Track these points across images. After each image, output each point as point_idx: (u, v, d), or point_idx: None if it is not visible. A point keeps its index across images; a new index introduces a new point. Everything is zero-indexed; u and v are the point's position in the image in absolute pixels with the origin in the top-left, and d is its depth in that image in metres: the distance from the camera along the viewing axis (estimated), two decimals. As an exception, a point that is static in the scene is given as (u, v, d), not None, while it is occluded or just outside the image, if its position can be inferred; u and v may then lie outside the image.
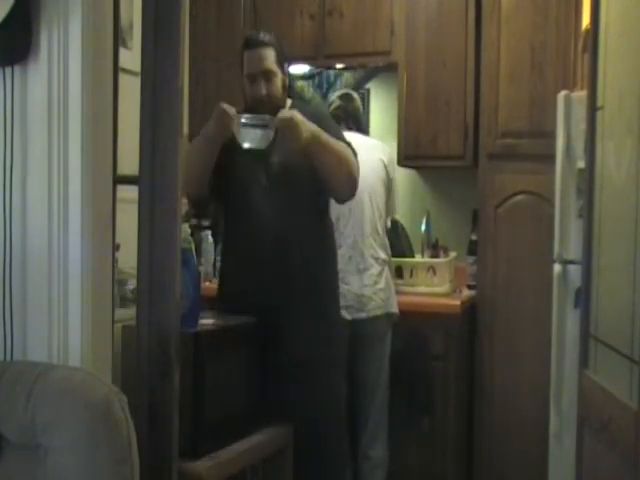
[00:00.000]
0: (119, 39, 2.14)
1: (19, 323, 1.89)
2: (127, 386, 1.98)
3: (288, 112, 2.54)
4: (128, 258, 2.29)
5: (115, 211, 2.02)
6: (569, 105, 3.20)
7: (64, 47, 1.85)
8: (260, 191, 2.66)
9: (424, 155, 3.82)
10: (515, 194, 3.58)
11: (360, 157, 3.10)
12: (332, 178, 2.65)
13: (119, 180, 2.05)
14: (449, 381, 3.48)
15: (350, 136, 3.29)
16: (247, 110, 2.67)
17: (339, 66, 4.10)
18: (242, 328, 2.49)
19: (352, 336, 3.16)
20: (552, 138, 3.29)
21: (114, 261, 2.05)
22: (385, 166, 3.37)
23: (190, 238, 2.33)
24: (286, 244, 2.63)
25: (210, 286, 3.59)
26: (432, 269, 3.65)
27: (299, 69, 4.11)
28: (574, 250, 3.13)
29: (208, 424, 2.25)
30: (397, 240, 3.65)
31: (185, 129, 2.10)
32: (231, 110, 2.53)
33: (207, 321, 2.41)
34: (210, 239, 3.93)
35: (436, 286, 3.63)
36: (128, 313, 2.27)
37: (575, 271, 3.10)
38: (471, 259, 3.75)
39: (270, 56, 2.65)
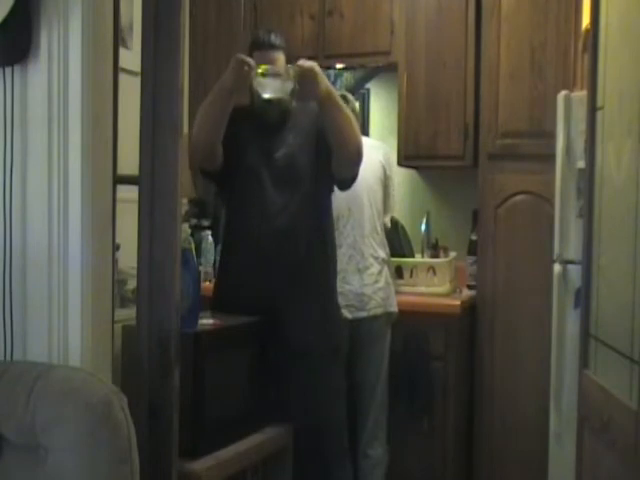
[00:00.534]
0: (119, 39, 2.14)
1: (19, 323, 1.90)
2: (127, 386, 1.98)
3: (308, 62, 2.53)
4: (128, 258, 2.29)
5: (115, 211, 2.02)
6: (569, 105, 3.20)
7: (64, 47, 1.85)
8: (262, 186, 2.66)
9: (424, 155, 3.82)
10: (515, 194, 3.58)
11: None
12: (343, 141, 2.62)
13: (119, 180, 2.05)
14: (449, 381, 3.48)
15: None
16: (254, 111, 2.68)
17: (339, 66, 4.10)
18: (242, 328, 2.49)
19: (352, 335, 3.16)
20: (552, 138, 3.29)
21: (114, 261, 2.05)
22: (382, 165, 3.38)
23: (190, 238, 2.33)
24: (287, 239, 2.62)
25: (210, 286, 3.59)
26: (432, 269, 3.65)
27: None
28: (574, 250, 3.13)
29: (208, 424, 2.25)
30: (397, 240, 3.65)
31: (185, 129, 2.10)
32: (249, 60, 2.52)
33: (207, 321, 2.41)
34: (210, 239, 3.92)
35: (436, 286, 3.63)
36: (128, 313, 2.27)
37: (575, 271, 3.10)
38: (471, 259, 3.75)
39: (281, 60, 2.65)
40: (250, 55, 2.65)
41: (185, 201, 3.91)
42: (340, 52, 3.95)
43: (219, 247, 3.87)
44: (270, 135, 2.71)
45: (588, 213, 2.27)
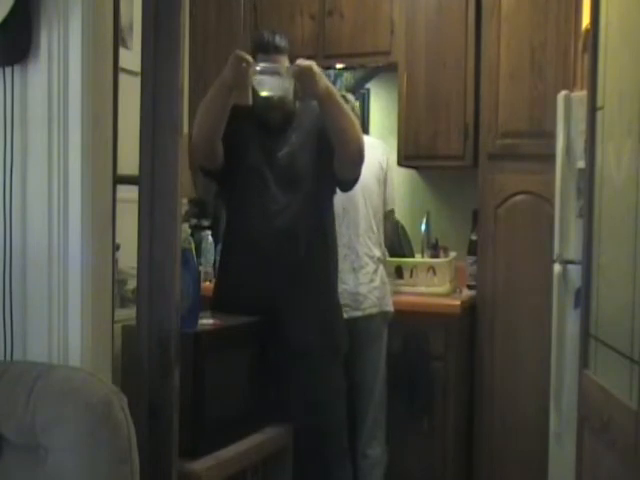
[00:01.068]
0: (119, 39, 2.14)
1: (19, 323, 1.90)
2: (127, 386, 1.98)
3: (307, 61, 2.53)
4: (128, 258, 2.29)
5: (115, 211, 2.02)
6: (569, 105, 3.20)
7: (64, 47, 1.85)
8: (263, 185, 2.66)
9: (424, 155, 3.82)
10: (515, 194, 3.58)
11: None
12: (344, 140, 2.62)
13: (119, 180, 2.05)
14: (449, 381, 3.48)
15: None
16: (256, 113, 2.69)
17: (339, 66, 4.10)
18: (242, 328, 2.49)
19: (348, 335, 3.16)
20: (552, 138, 3.29)
21: (114, 261, 2.05)
22: (380, 164, 3.38)
23: (190, 238, 2.33)
24: (287, 239, 2.62)
25: (210, 286, 3.59)
26: (432, 269, 3.65)
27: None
28: (574, 250, 3.13)
29: (208, 424, 2.25)
30: (397, 240, 3.65)
31: (185, 129, 2.10)
32: (248, 56, 2.52)
33: (207, 321, 2.41)
34: (210, 239, 3.92)
35: (436, 286, 3.63)
36: (128, 313, 2.27)
37: (575, 271, 3.10)
38: (471, 259, 3.75)
39: (284, 64, 2.63)
40: (254, 57, 2.64)
41: (185, 201, 3.91)
42: (340, 52, 3.94)
43: (219, 247, 3.88)
44: (273, 134, 2.71)
45: (588, 213, 2.27)
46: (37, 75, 1.88)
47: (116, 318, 2.07)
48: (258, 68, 2.51)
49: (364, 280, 3.21)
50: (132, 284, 2.56)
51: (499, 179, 3.61)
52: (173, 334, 1.94)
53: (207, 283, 3.67)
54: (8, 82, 1.89)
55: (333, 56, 3.97)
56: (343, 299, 3.10)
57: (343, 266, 3.15)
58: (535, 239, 3.51)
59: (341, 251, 3.14)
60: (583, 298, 2.29)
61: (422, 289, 3.63)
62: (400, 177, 3.94)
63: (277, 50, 2.65)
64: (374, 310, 3.23)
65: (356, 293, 3.18)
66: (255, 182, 2.68)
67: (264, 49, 2.66)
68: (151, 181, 1.95)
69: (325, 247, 2.76)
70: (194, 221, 4.04)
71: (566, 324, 3.16)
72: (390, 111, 4.01)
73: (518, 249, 3.56)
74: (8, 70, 1.89)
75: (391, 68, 3.89)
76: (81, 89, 1.85)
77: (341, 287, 3.10)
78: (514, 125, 3.58)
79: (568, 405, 3.04)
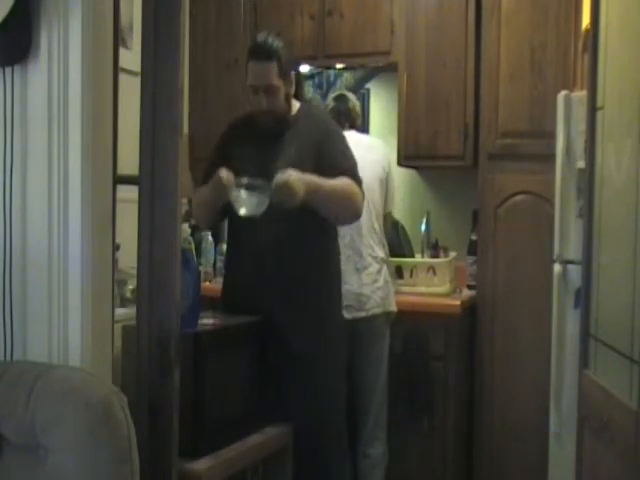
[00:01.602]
0: (119, 39, 2.14)
1: (19, 323, 1.90)
2: (127, 386, 1.98)
3: (282, 177, 2.49)
4: (128, 258, 2.29)
5: (115, 211, 2.02)
6: (569, 105, 3.20)
7: (64, 47, 1.85)
8: None
9: (424, 155, 3.81)
10: (515, 194, 3.58)
11: (356, 155, 3.09)
12: (334, 219, 2.74)
13: (119, 180, 2.05)
14: (449, 381, 3.48)
15: (345, 134, 3.30)
16: (251, 120, 2.71)
17: (339, 66, 4.10)
18: (242, 328, 2.49)
19: (351, 335, 3.16)
20: (552, 138, 3.28)
21: (114, 261, 2.05)
22: (381, 164, 3.38)
23: (190, 238, 2.33)
24: (287, 245, 2.62)
25: (210, 286, 3.59)
26: (432, 269, 3.65)
27: (298, 68, 4.11)
28: (574, 250, 3.13)
29: (208, 424, 2.26)
30: (397, 240, 3.65)
31: (185, 129, 2.11)
32: (229, 179, 2.53)
33: (207, 321, 2.41)
34: (210, 239, 3.93)
35: (436, 286, 3.62)
36: (128, 313, 2.27)
37: (575, 271, 3.10)
38: (471, 259, 3.75)
39: (273, 70, 2.62)
40: (247, 64, 2.66)
41: (185, 201, 3.91)
42: (340, 52, 3.94)
43: (219, 247, 3.89)
44: (269, 147, 2.70)
45: (588, 213, 2.27)
46: (37, 75, 1.88)
47: (116, 318, 2.07)
48: (244, 181, 2.52)
49: (367, 280, 3.21)
50: (132, 284, 2.56)
51: (499, 179, 3.61)
52: (173, 334, 1.94)
53: (207, 283, 3.68)
54: (8, 82, 1.89)
55: (333, 56, 3.97)
56: (347, 300, 3.10)
57: (346, 267, 3.15)
58: (535, 239, 3.51)
59: (344, 252, 3.14)
60: (583, 298, 2.29)
61: (422, 289, 3.63)
62: (400, 177, 3.94)
63: (265, 56, 2.63)
64: (378, 310, 3.22)
65: (360, 294, 3.18)
66: None
67: (253, 55, 2.66)
68: (151, 181, 1.95)
69: (326, 251, 2.75)
70: (194, 221, 4.03)
71: (566, 324, 3.16)
72: (390, 111, 4.01)
73: (518, 249, 3.56)
74: (8, 70, 1.89)
75: (391, 68, 3.89)
76: (81, 89, 1.85)
77: (344, 288, 3.09)
78: (514, 125, 3.58)
79: (568, 405, 3.04)
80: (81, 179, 1.86)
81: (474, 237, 3.75)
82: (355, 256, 3.20)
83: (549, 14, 3.50)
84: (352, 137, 3.40)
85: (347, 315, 3.12)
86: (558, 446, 3.17)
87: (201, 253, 3.84)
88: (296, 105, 2.77)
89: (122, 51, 2.24)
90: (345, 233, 3.14)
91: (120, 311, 2.38)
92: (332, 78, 4.17)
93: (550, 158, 3.27)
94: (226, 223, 3.00)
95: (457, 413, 3.52)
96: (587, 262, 2.26)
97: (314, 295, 2.69)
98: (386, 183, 3.41)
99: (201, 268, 3.58)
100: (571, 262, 3.16)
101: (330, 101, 3.56)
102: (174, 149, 1.94)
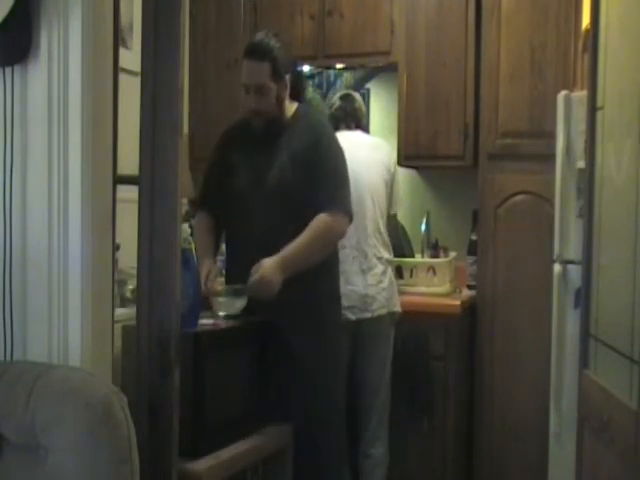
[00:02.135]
0: (119, 39, 2.14)
1: (19, 323, 1.90)
2: (127, 386, 1.98)
3: (255, 277, 2.50)
4: (128, 258, 2.29)
5: (115, 211, 2.02)
6: (569, 105, 3.20)
7: (64, 47, 1.85)
8: (256, 205, 2.67)
9: (424, 155, 3.81)
10: (515, 194, 3.58)
11: (360, 159, 3.10)
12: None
13: (119, 180, 2.05)
14: (449, 381, 3.48)
15: (350, 138, 3.30)
16: (247, 124, 2.72)
17: (339, 66, 4.10)
18: (242, 328, 2.49)
19: (356, 336, 3.16)
20: (552, 138, 3.28)
21: (114, 261, 2.05)
22: (387, 167, 3.37)
23: (190, 238, 2.34)
24: (284, 246, 2.61)
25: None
26: (432, 269, 3.65)
27: (301, 69, 4.11)
28: (574, 250, 3.13)
29: (208, 424, 2.25)
30: (397, 240, 3.64)
31: (185, 129, 2.11)
32: (210, 281, 2.57)
33: (207, 321, 2.41)
34: (210, 239, 3.92)
35: (436, 286, 3.62)
36: (128, 313, 2.27)
37: (575, 271, 3.10)
38: (471, 259, 3.75)
39: (265, 71, 2.62)
40: (242, 60, 2.68)
41: (185, 201, 3.91)
42: (340, 52, 3.94)
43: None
44: (264, 151, 2.70)
45: (588, 213, 2.27)
46: (37, 75, 1.88)
47: (116, 318, 2.07)
48: (220, 291, 2.57)
49: (372, 282, 3.20)
50: (132, 284, 2.56)
51: (499, 179, 3.61)
52: (173, 334, 1.94)
53: (207, 283, 3.67)
54: (8, 82, 1.89)
55: (333, 56, 3.97)
56: (351, 300, 3.10)
57: (351, 267, 3.15)
58: (535, 239, 3.51)
59: (350, 253, 3.14)
60: (583, 298, 2.29)
61: (422, 289, 3.63)
62: (400, 177, 3.93)
63: (258, 56, 2.63)
64: (383, 311, 3.22)
65: (365, 295, 3.17)
66: (243, 207, 2.69)
67: (248, 54, 2.66)
68: (151, 181, 1.95)
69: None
70: (194, 221, 4.03)
71: (566, 324, 3.16)
72: (390, 111, 4.01)
73: (518, 249, 3.56)
74: (8, 70, 1.89)
75: (391, 68, 3.89)
76: (81, 89, 1.85)
77: (349, 288, 3.10)
78: (514, 125, 3.58)
79: (568, 405, 3.04)
80: (81, 179, 1.86)
81: (474, 237, 3.75)
82: (360, 257, 3.19)
83: (549, 14, 3.50)
84: (358, 137, 3.40)
85: (352, 316, 3.11)
86: (558, 446, 3.17)
87: (201, 253, 3.83)
88: (292, 107, 2.76)
89: (122, 51, 2.24)
90: (351, 234, 3.12)
91: (120, 311, 2.38)
92: (332, 78, 4.17)
93: (550, 158, 3.27)
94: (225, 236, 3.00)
95: (457, 413, 3.52)
96: (587, 262, 2.26)
97: (313, 295, 2.69)
98: (391, 184, 3.40)
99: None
100: (571, 262, 3.16)
101: (336, 100, 3.54)
102: (174, 149, 1.94)
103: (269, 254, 2.55)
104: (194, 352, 2.22)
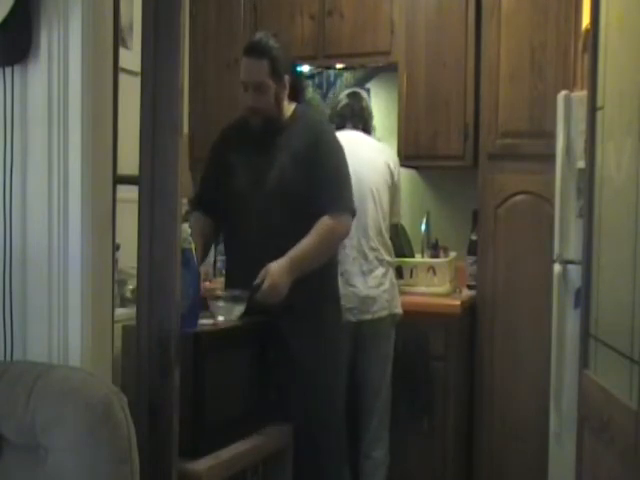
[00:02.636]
0: (119, 39, 2.14)
1: (19, 323, 1.90)
2: (127, 386, 1.98)
3: (265, 284, 2.50)
4: (128, 258, 2.29)
5: (115, 211, 2.02)
6: (569, 105, 3.20)
7: (64, 47, 1.85)
8: (256, 205, 2.67)
9: (424, 155, 3.81)
10: (515, 194, 3.58)
11: (364, 158, 3.09)
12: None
13: (119, 180, 2.05)
14: (449, 381, 3.48)
15: (355, 136, 3.29)
16: (245, 124, 2.71)
17: (339, 66, 4.10)
18: (242, 328, 2.49)
19: (357, 337, 3.15)
20: (552, 138, 3.28)
21: (114, 261, 2.05)
22: (391, 170, 3.35)
23: (190, 238, 2.33)
24: (283, 246, 2.60)
25: (210, 286, 3.59)
26: (432, 269, 3.65)
27: (301, 70, 4.11)
28: (574, 250, 3.13)
29: (208, 424, 2.25)
30: (397, 240, 3.64)
31: (185, 129, 2.11)
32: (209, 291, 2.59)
33: (207, 321, 2.41)
34: (210, 239, 3.92)
35: (436, 286, 3.62)
36: (128, 313, 2.27)
37: (575, 271, 3.10)
38: (471, 259, 3.75)
39: (263, 69, 2.62)
40: (242, 58, 2.68)
41: (185, 201, 3.91)
42: (340, 52, 3.94)
43: (219, 247, 3.88)
44: (263, 152, 2.69)
45: (588, 213, 2.27)
46: (37, 75, 1.88)
47: (116, 318, 2.07)
48: (223, 294, 2.57)
49: (373, 283, 3.19)
50: (132, 284, 2.56)
51: (499, 179, 3.61)
52: (173, 334, 1.94)
53: (207, 283, 3.67)
54: (8, 82, 1.89)
55: (333, 56, 3.97)
56: (352, 302, 3.10)
57: (352, 269, 3.14)
58: (535, 239, 3.51)
59: (350, 253, 3.13)
60: (583, 298, 2.28)
61: (422, 289, 3.63)
62: (400, 178, 3.94)
63: (257, 53, 2.63)
64: (384, 313, 3.21)
65: (366, 296, 3.16)
66: (243, 205, 2.69)
67: (246, 51, 2.67)
68: (151, 181, 1.95)
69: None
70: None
71: (566, 324, 3.16)
72: (390, 111, 4.01)
73: (518, 249, 3.56)
74: (8, 70, 1.89)
75: (391, 68, 3.89)
76: (81, 89, 1.85)
77: (350, 290, 3.10)
78: (514, 125, 3.58)
79: (568, 405, 3.04)
80: (81, 179, 1.86)
81: (474, 237, 3.75)
82: (361, 258, 3.18)
83: (549, 14, 3.50)
84: (361, 138, 3.39)
85: (352, 317, 3.11)
86: (558, 446, 3.17)
87: (201, 253, 3.83)
88: (291, 108, 2.76)
89: (122, 51, 2.24)
90: (352, 235, 3.12)
91: (120, 311, 2.38)
92: (332, 78, 4.17)
93: (550, 158, 3.27)
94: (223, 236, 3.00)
95: (457, 413, 3.52)
96: (587, 262, 2.26)
97: (312, 296, 2.68)
98: (393, 190, 3.38)
99: (201, 268, 3.57)
100: (571, 262, 3.16)
101: (343, 97, 3.51)
102: (174, 149, 1.94)
103: (269, 254, 2.55)
104: (194, 352, 2.22)
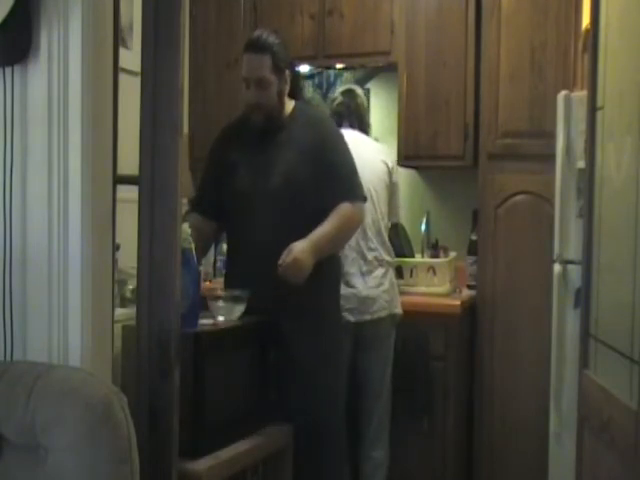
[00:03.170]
0: (119, 39, 2.14)
1: (19, 323, 1.89)
2: (127, 386, 1.98)
3: (290, 256, 2.49)
4: (128, 258, 2.29)
5: (115, 211, 2.02)
6: (569, 105, 3.20)
7: (64, 47, 1.85)
8: (259, 203, 2.67)
9: (424, 155, 3.82)
10: (515, 194, 3.58)
11: (363, 158, 3.08)
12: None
13: (119, 180, 2.05)
14: (449, 381, 3.48)
15: (354, 136, 3.29)
16: (245, 122, 2.72)
17: (339, 66, 4.10)
18: (242, 328, 2.49)
19: (356, 338, 3.15)
20: (552, 138, 3.29)
21: (114, 261, 2.05)
22: (388, 170, 3.36)
23: (190, 238, 2.33)
24: (280, 248, 2.59)
25: (210, 286, 3.59)
26: (432, 269, 3.65)
27: (299, 69, 4.11)
28: (574, 250, 3.13)
29: (208, 424, 2.25)
30: (397, 240, 3.64)
31: (185, 129, 2.11)
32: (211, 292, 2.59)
33: (207, 321, 2.41)
34: (210, 239, 3.92)
35: (436, 286, 3.62)
36: (128, 313, 2.27)
37: (575, 271, 3.10)
38: (471, 259, 3.75)
39: (265, 64, 2.62)
40: (242, 55, 2.69)
41: (185, 201, 3.91)
42: (340, 52, 3.94)
43: (219, 247, 3.89)
44: (265, 150, 2.69)
45: (588, 213, 2.27)
46: (37, 75, 1.87)
47: (116, 318, 2.06)
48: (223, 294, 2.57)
49: (373, 284, 3.19)
50: (132, 284, 2.56)
51: (499, 179, 3.61)
52: (173, 334, 1.94)
53: (207, 283, 3.67)
54: (8, 82, 1.89)
55: (333, 56, 3.97)
56: (352, 303, 3.10)
57: (352, 270, 3.14)
58: (535, 239, 3.51)
59: (349, 254, 3.13)
60: (583, 298, 2.28)
61: (422, 289, 3.63)
62: (400, 177, 3.93)
63: (258, 49, 2.64)
64: (383, 313, 3.21)
65: (365, 297, 3.16)
66: (246, 204, 2.69)
67: (247, 48, 2.67)
68: (151, 181, 1.95)
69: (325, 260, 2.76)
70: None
71: (566, 324, 3.16)
72: (390, 111, 4.01)
73: (518, 249, 3.56)
74: (8, 70, 1.89)
75: (391, 68, 3.89)
76: (81, 89, 1.85)
77: (349, 291, 3.09)
78: (514, 125, 3.58)
79: (568, 405, 3.04)
80: (81, 179, 1.86)
81: (474, 237, 3.75)
82: (360, 259, 3.18)
83: (549, 14, 3.50)
84: (360, 137, 3.39)
85: (351, 318, 3.11)
86: (558, 446, 3.17)
87: (201, 253, 3.83)
88: (290, 105, 2.75)
89: (122, 51, 2.24)
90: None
91: (120, 311, 2.38)
92: (332, 78, 4.17)
93: (550, 158, 3.27)
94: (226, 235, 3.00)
95: (457, 413, 3.52)
96: (587, 262, 2.26)
97: (313, 296, 2.67)
98: (392, 190, 3.38)
99: (201, 268, 3.57)
100: (571, 262, 3.17)
101: (338, 95, 3.52)
102: (174, 149, 1.94)
103: (271, 254, 2.55)
104: (194, 352, 2.22)
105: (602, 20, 2.19)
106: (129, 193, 2.08)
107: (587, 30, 2.94)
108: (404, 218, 3.87)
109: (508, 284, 3.58)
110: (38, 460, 1.63)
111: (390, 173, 3.36)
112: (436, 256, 3.77)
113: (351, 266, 3.14)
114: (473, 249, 3.73)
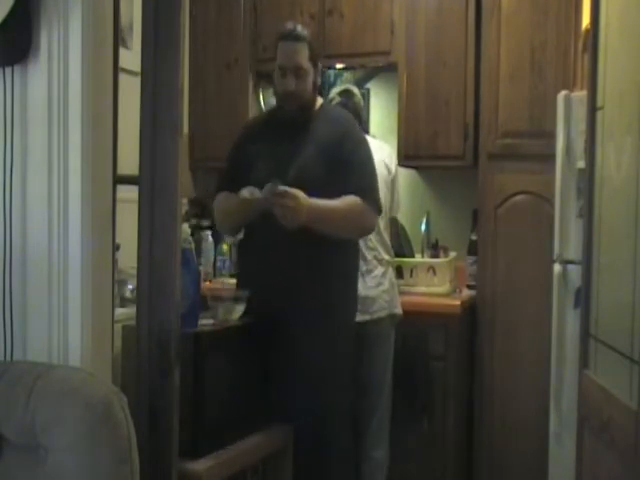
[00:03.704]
0: (119, 39, 2.14)
1: (19, 323, 1.90)
2: (127, 386, 1.98)
3: (291, 193, 2.47)
4: (128, 258, 2.29)
5: (115, 211, 2.02)
6: (569, 105, 3.20)
7: (64, 47, 1.85)
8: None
9: (424, 155, 3.81)
10: (515, 194, 3.58)
11: None
12: (347, 236, 2.73)
13: (119, 180, 2.05)
14: (449, 381, 3.48)
15: None
16: (267, 119, 2.75)
17: (339, 66, 4.10)
18: (242, 328, 2.49)
19: (356, 337, 3.14)
20: (552, 138, 3.29)
21: (114, 261, 2.05)
22: (388, 168, 3.36)
23: (190, 238, 2.33)
24: (296, 249, 2.59)
25: (210, 286, 3.59)
26: (432, 269, 3.65)
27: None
28: (574, 250, 3.13)
29: (208, 424, 2.26)
30: (397, 240, 3.64)
31: (185, 129, 2.11)
32: (253, 194, 2.54)
33: (207, 321, 2.41)
34: (210, 239, 3.92)
35: (436, 286, 3.62)
36: (128, 313, 2.27)
37: (575, 271, 3.10)
38: (471, 259, 3.75)
39: (303, 52, 2.64)
40: (275, 46, 2.69)
41: (185, 201, 3.91)
42: (340, 52, 3.94)
43: (219, 247, 3.89)
44: (287, 143, 2.69)
45: (588, 213, 2.27)
46: (37, 75, 1.88)
47: (116, 318, 2.07)
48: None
49: (372, 284, 3.19)
50: (132, 284, 2.56)
51: (499, 179, 3.61)
52: (173, 334, 1.94)
53: (207, 283, 3.67)
54: (8, 82, 1.89)
55: (333, 56, 3.97)
56: None
57: None
58: (535, 239, 3.51)
59: None
60: (583, 298, 2.28)
61: (422, 289, 3.63)
62: (400, 177, 3.94)
63: (296, 37, 2.66)
64: (383, 313, 3.21)
65: (365, 297, 3.15)
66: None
67: (284, 37, 2.68)
68: (151, 181, 1.95)
69: (342, 260, 2.75)
70: (194, 221, 4.04)
71: (566, 324, 3.16)
72: (390, 111, 4.01)
73: (518, 249, 3.56)
74: (8, 70, 1.89)
75: (391, 68, 3.90)
76: (81, 89, 1.85)
77: None
78: (514, 125, 3.58)
79: (568, 405, 3.04)
80: (81, 179, 1.86)
81: (474, 237, 3.75)
82: (360, 259, 3.18)
83: (549, 14, 3.50)
84: None
85: None
86: (558, 446, 3.17)
87: (201, 253, 3.84)
88: (319, 101, 2.77)
89: (122, 51, 2.24)
90: None
91: (120, 311, 2.38)
92: (332, 78, 4.17)
93: (550, 158, 3.27)
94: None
95: (457, 413, 3.52)
96: (587, 262, 2.26)
97: (317, 295, 2.66)
98: (392, 186, 3.39)
99: (201, 268, 3.58)
100: (571, 262, 3.16)
101: (335, 96, 3.52)
102: (174, 149, 1.94)
103: (285, 250, 2.56)
104: (194, 352, 2.22)
105: (602, 20, 2.19)
106: (129, 193, 2.08)
107: (587, 30, 2.94)
108: (404, 218, 3.87)
109: (508, 284, 3.58)
110: (38, 460, 1.63)
111: (390, 170, 3.37)
112: (436, 256, 3.77)
113: None
114: (473, 249, 3.73)
